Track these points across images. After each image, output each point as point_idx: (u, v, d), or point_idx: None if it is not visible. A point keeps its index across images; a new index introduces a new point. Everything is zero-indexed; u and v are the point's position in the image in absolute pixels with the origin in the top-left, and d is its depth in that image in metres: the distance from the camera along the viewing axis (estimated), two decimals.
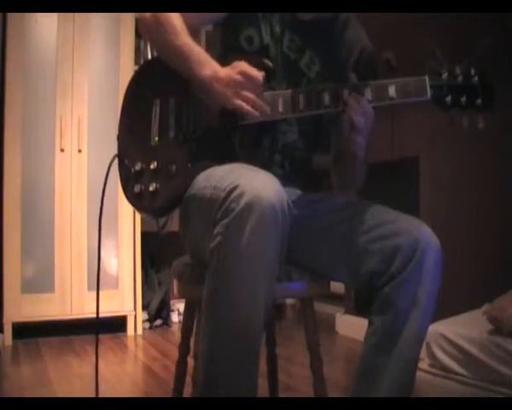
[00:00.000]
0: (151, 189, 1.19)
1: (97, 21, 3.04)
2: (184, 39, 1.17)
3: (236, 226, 0.91)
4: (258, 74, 1.10)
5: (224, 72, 1.12)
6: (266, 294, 0.94)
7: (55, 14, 2.92)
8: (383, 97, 1.07)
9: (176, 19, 1.20)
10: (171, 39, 1.17)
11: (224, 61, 1.19)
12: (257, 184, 0.93)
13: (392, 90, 1.05)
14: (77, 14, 2.96)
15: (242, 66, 1.11)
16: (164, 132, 1.23)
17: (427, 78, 1.04)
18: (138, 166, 1.22)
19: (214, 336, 0.95)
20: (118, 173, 1.28)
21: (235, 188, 0.93)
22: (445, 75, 1.03)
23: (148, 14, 1.23)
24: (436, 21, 2.18)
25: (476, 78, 1.02)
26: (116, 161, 1.27)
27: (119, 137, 1.31)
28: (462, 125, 1.05)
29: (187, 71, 1.17)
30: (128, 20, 3.10)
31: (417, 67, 1.09)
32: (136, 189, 1.21)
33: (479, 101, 1.02)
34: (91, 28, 3.03)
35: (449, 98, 1.02)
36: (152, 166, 1.20)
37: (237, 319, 0.93)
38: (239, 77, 1.10)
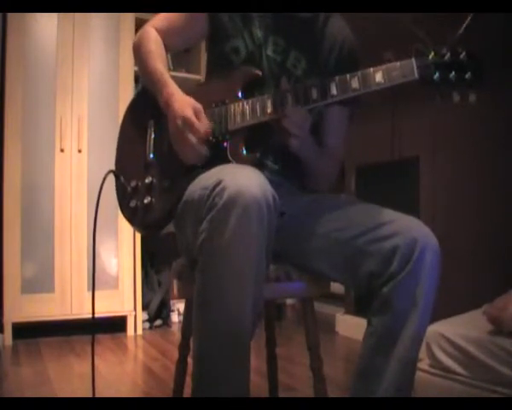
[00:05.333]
0: (146, 201, 1.21)
1: (97, 21, 3.04)
2: (157, 65, 1.24)
3: (220, 220, 0.91)
4: (200, 124, 1.13)
5: (175, 107, 1.15)
6: (254, 288, 0.94)
7: (55, 14, 2.92)
8: (370, 84, 1.07)
9: (154, 43, 1.27)
10: (146, 65, 1.26)
11: (215, 75, 1.20)
12: (240, 178, 0.93)
13: (379, 76, 1.06)
14: (77, 14, 2.96)
15: (186, 112, 1.13)
16: (158, 148, 1.26)
17: (413, 59, 1.04)
18: (134, 183, 1.24)
19: (204, 334, 0.95)
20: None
21: (218, 183, 0.93)
22: (431, 56, 1.03)
23: (134, 39, 1.33)
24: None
25: (464, 53, 1.02)
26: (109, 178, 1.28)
27: (116, 160, 1.33)
28: (451, 102, 1.05)
29: (154, 93, 1.24)
30: (128, 20, 3.10)
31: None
32: (132, 204, 1.23)
33: (467, 75, 1.01)
34: (91, 28, 3.03)
35: (437, 75, 1.02)
36: (147, 181, 1.22)
37: (224, 314, 0.93)
38: (180, 123, 1.13)
